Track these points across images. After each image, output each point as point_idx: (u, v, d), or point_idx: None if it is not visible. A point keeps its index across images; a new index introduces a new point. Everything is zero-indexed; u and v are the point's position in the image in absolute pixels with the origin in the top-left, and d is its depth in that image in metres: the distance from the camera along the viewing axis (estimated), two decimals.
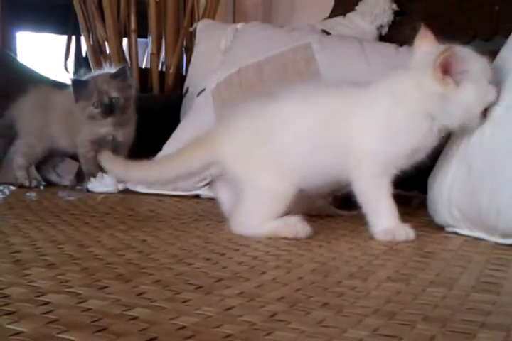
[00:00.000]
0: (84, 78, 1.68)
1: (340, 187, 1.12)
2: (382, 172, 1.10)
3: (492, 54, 1.16)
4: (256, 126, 1.14)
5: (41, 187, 1.76)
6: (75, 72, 2.43)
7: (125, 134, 1.70)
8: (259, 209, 1.11)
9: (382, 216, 1.10)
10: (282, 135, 1.11)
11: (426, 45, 1.12)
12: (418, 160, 1.11)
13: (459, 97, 1.06)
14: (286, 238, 1.07)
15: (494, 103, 1.08)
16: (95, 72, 1.77)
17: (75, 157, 1.82)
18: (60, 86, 1.84)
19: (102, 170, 1.69)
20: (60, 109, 1.74)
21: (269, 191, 1.10)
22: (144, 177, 1.26)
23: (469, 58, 1.07)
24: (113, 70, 1.69)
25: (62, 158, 1.87)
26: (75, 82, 1.66)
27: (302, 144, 1.10)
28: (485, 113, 1.08)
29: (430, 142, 1.10)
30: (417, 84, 1.08)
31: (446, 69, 1.04)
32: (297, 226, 1.09)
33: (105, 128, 1.67)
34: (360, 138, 1.09)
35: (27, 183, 1.74)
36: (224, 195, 1.21)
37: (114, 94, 1.64)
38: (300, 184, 1.11)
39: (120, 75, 1.66)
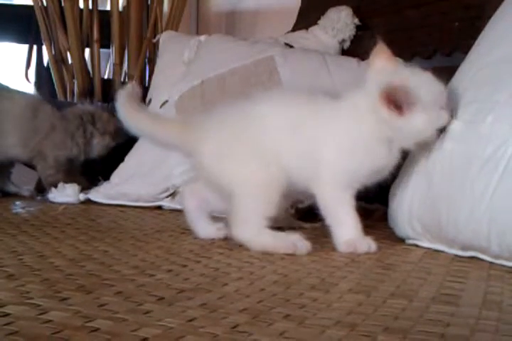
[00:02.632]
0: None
1: (304, 198, 1.12)
2: (343, 186, 1.10)
3: (452, 69, 1.19)
4: (235, 124, 1.13)
5: None
6: (36, 82, 2.42)
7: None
8: (254, 206, 1.09)
9: (345, 227, 1.10)
10: (261, 131, 1.11)
11: (381, 61, 1.12)
12: (381, 178, 1.12)
13: (408, 125, 1.06)
14: (284, 254, 1.06)
15: (447, 125, 1.09)
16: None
17: (31, 166, 1.80)
18: (12, 93, 1.79)
19: (63, 180, 1.69)
20: (15, 117, 1.72)
21: (259, 181, 1.09)
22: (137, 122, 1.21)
23: (420, 87, 1.05)
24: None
25: (13, 167, 1.84)
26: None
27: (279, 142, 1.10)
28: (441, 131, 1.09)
29: (390, 162, 1.11)
30: (370, 108, 1.07)
31: (392, 101, 1.04)
32: (297, 243, 1.08)
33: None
34: (323, 151, 1.09)
35: None
36: (190, 204, 1.20)
37: None
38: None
39: None
